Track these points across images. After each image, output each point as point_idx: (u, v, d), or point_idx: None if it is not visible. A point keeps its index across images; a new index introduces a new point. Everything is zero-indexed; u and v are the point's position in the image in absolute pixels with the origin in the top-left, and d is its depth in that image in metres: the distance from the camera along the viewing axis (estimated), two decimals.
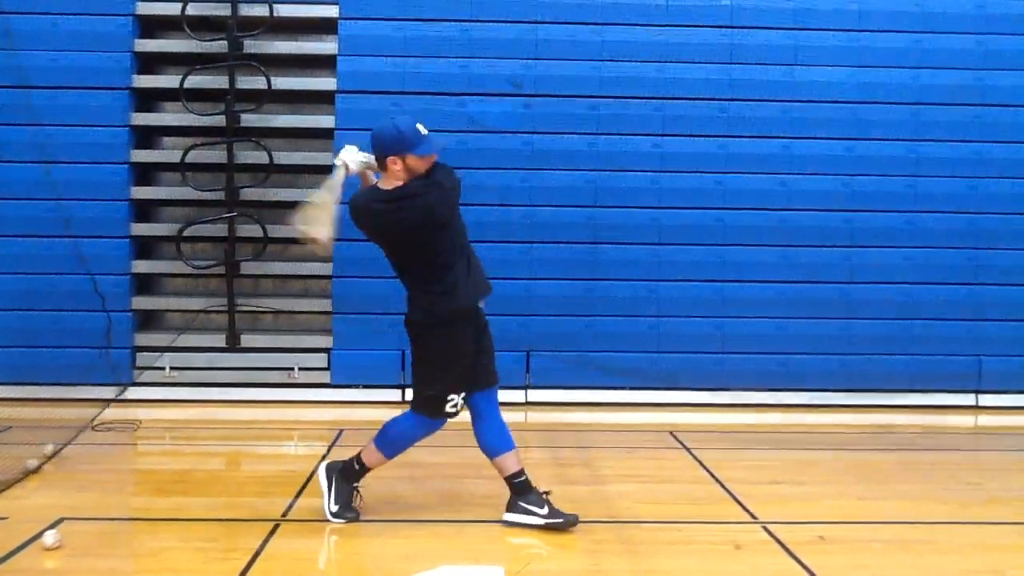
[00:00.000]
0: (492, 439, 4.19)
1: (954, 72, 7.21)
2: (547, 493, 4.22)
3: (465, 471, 5.09)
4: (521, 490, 4.17)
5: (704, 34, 7.10)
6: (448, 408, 4.07)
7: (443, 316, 4.00)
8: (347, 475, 4.25)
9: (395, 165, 3.90)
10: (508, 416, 4.26)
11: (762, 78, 7.11)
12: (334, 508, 4.20)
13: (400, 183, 3.92)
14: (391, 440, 4.22)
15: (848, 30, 7.16)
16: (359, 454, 4.26)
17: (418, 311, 4.05)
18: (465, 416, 4.19)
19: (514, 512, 4.18)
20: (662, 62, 7.08)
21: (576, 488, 4.85)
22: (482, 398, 4.17)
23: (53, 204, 6.70)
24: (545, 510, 4.14)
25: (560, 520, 4.12)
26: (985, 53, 7.21)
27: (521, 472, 4.19)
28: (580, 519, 4.18)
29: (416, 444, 4.28)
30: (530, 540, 4.08)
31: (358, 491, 4.29)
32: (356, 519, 4.21)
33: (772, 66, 7.12)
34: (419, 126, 3.92)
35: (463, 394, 4.09)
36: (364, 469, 4.25)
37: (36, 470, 4.97)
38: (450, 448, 5.08)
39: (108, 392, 6.49)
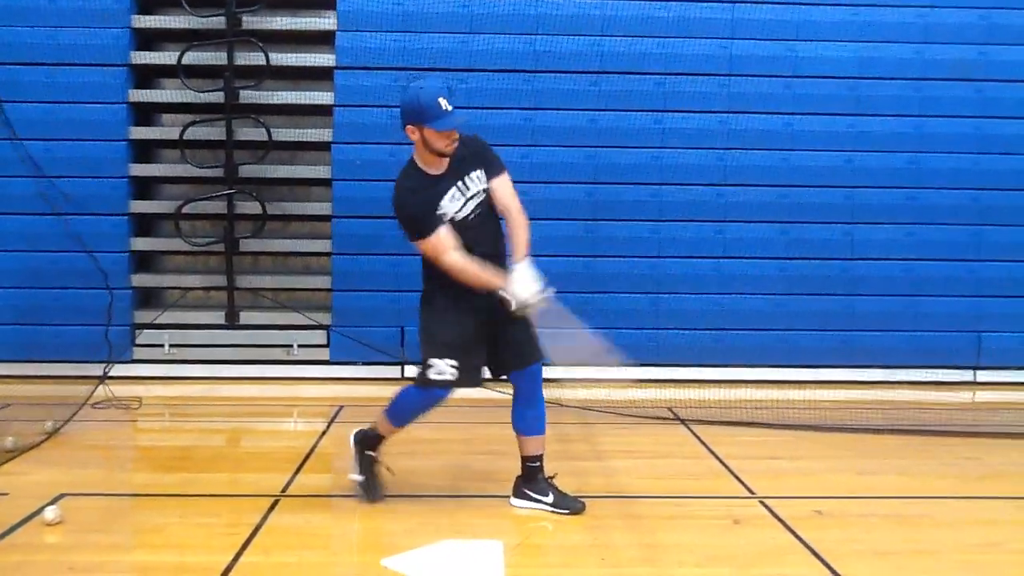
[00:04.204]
0: (515, 419, 4.17)
1: (958, 47, 7.14)
2: (552, 476, 4.21)
3: (466, 447, 5.11)
4: (528, 475, 4.18)
5: (705, 9, 7.03)
6: (432, 375, 4.00)
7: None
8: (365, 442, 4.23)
9: (412, 135, 3.83)
10: (509, 392, 4.24)
11: (764, 53, 7.04)
12: (358, 477, 4.20)
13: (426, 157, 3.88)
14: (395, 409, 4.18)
15: (850, 4, 7.09)
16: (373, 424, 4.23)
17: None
18: (464, 392, 4.15)
19: (519, 498, 4.20)
20: (663, 37, 7.02)
21: (577, 463, 4.87)
22: (516, 376, 4.15)
23: (53, 182, 6.68)
24: (550, 498, 4.14)
25: (566, 511, 4.11)
26: (989, 27, 7.14)
27: (536, 459, 4.17)
28: (581, 493, 4.20)
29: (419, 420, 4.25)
30: (530, 515, 4.10)
31: (378, 460, 4.24)
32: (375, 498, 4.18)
33: (774, 41, 7.05)
34: (441, 99, 3.77)
35: (450, 363, 3.98)
36: (378, 436, 4.21)
37: (34, 446, 4.99)
38: (450, 424, 5.10)
39: (109, 369, 6.50)
